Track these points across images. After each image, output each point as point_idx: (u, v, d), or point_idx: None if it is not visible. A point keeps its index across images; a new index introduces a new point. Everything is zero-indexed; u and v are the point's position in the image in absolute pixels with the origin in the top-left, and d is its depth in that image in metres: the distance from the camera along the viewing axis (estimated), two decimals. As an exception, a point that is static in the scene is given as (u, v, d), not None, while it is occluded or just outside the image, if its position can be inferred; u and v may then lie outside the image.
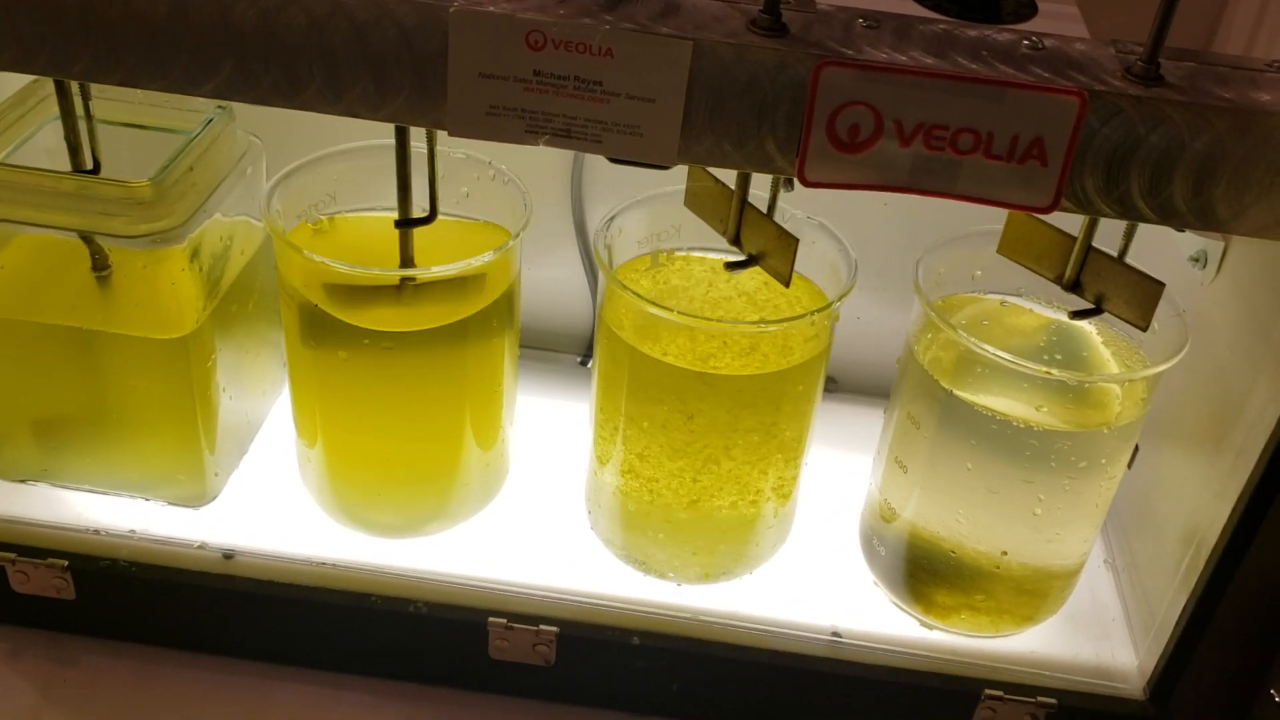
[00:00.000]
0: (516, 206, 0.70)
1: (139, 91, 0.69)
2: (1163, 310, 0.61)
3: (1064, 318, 0.68)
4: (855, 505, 0.77)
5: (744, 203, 0.62)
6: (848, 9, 0.53)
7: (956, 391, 0.65)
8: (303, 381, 0.72)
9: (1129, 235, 0.61)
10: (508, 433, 0.76)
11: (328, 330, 0.67)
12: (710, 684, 0.72)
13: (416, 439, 0.72)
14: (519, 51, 0.49)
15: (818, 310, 0.66)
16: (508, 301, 0.70)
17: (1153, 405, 0.66)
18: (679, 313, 0.65)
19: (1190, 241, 0.70)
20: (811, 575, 0.75)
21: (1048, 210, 0.51)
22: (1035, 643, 0.73)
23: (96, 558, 0.72)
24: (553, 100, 0.51)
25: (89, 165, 0.67)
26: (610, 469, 0.71)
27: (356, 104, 0.52)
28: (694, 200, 0.66)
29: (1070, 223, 0.60)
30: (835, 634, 0.72)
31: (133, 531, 0.73)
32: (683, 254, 0.73)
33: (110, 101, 0.71)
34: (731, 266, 0.64)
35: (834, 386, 0.90)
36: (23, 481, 0.76)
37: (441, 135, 0.62)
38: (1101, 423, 0.65)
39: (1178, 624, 0.68)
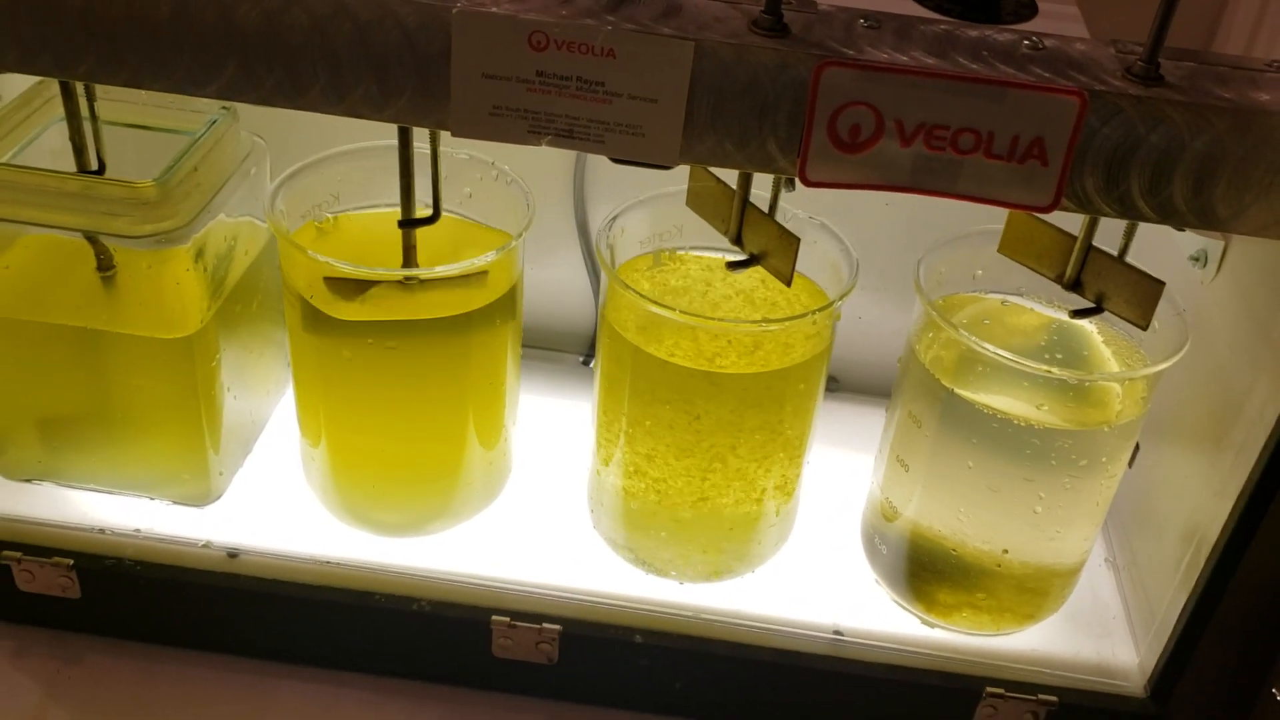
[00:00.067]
0: (519, 207, 0.70)
1: (143, 92, 0.69)
2: (1163, 309, 0.61)
3: (1065, 317, 0.68)
4: (857, 504, 0.77)
5: (745, 202, 0.62)
6: (849, 9, 0.53)
7: (958, 390, 0.65)
8: (307, 381, 0.72)
9: (1129, 234, 0.61)
10: (510, 432, 0.77)
11: (332, 330, 0.67)
12: (713, 682, 0.72)
13: (420, 438, 0.72)
14: (522, 52, 0.50)
15: (820, 309, 0.66)
16: (510, 301, 0.70)
17: (1153, 404, 0.67)
18: (681, 312, 0.65)
19: (1190, 241, 0.70)
20: (813, 574, 0.75)
21: (1048, 210, 0.51)
22: (1036, 641, 0.73)
23: (101, 556, 0.72)
24: (555, 101, 0.51)
25: (94, 166, 0.68)
26: (613, 468, 0.72)
27: (360, 105, 0.52)
28: (696, 200, 0.66)
29: (1071, 222, 0.60)
30: (837, 632, 0.72)
31: (137, 530, 0.74)
32: (685, 253, 0.73)
33: (115, 103, 0.71)
34: (733, 266, 0.64)
35: (836, 386, 0.90)
36: (28, 481, 0.76)
37: (444, 135, 0.63)
38: (1102, 421, 0.65)
39: (1178, 622, 0.68)
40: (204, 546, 0.73)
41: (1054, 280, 0.64)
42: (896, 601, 0.74)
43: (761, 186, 0.63)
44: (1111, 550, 0.79)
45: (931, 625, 0.72)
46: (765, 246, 0.62)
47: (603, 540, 0.75)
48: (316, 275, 0.66)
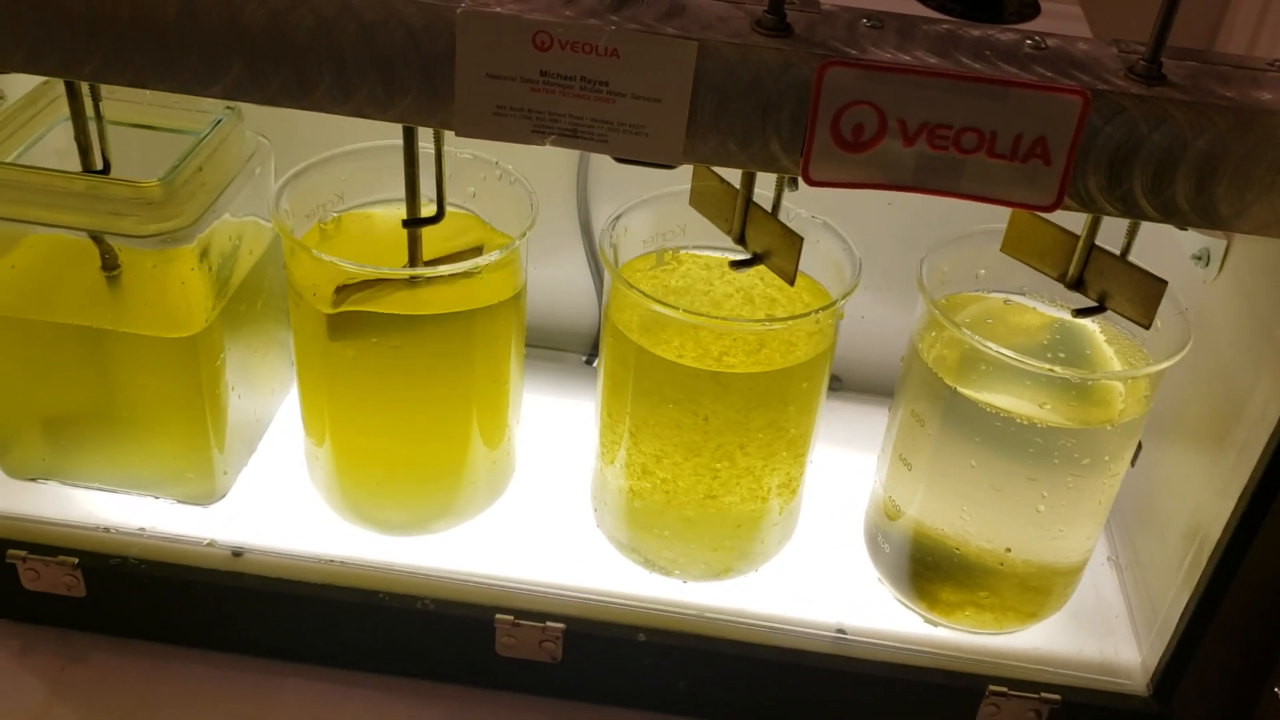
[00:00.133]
0: (523, 206, 0.70)
1: (148, 93, 0.70)
2: (1165, 308, 0.61)
3: (1067, 316, 0.68)
4: (860, 503, 0.77)
5: (749, 202, 0.63)
6: (851, 9, 0.53)
7: (961, 389, 0.65)
8: (311, 380, 0.72)
9: (1132, 234, 0.61)
10: (514, 431, 0.77)
11: (336, 329, 0.67)
12: (716, 680, 0.72)
13: (424, 437, 0.73)
14: (526, 52, 0.50)
15: (823, 308, 0.66)
16: (514, 300, 0.70)
17: (1155, 403, 0.67)
18: (685, 311, 0.65)
19: (1192, 240, 0.70)
20: (817, 572, 0.75)
21: (1051, 209, 0.51)
22: (1039, 639, 0.73)
23: (106, 555, 0.72)
24: (559, 100, 0.51)
25: (99, 166, 0.68)
26: (616, 467, 0.72)
27: (365, 104, 0.52)
28: (699, 200, 0.67)
29: (1073, 221, 0.60)
30: (840, 631, 0.72)
31: (142, 529, 0.74)
32: (688, 253, 0.73)
33: (120, 103, 0.71)
34: (736, 265, 0.65)
35: (839, 385, 0.90)
36: (33, 480, 0.76)
37: (449, 135, 0.63)
38: (1105, 420, 0.65)
39: (1181, 621, 0.68)
40: (209, 545, 0.73)
41: (1056, 279, 0.64)
42: (899, 600, 0.74)
43: (764, 186, 0.63)
44: (1114, 549, 0.79)
45: (934, 624, 0.73)
46: (768, 246, 0.62)
47: (606, 539, 0.75)
48: (322, 276, 0.66)
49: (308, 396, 0.74)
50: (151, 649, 0.75)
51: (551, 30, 0.49)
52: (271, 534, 0.74)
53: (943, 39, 0.52)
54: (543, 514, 0.77)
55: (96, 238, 0.69)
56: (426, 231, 0.67)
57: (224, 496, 0.76)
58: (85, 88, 0.65)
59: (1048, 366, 0.62)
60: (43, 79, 0.72)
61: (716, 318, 0.69)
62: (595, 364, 0.84)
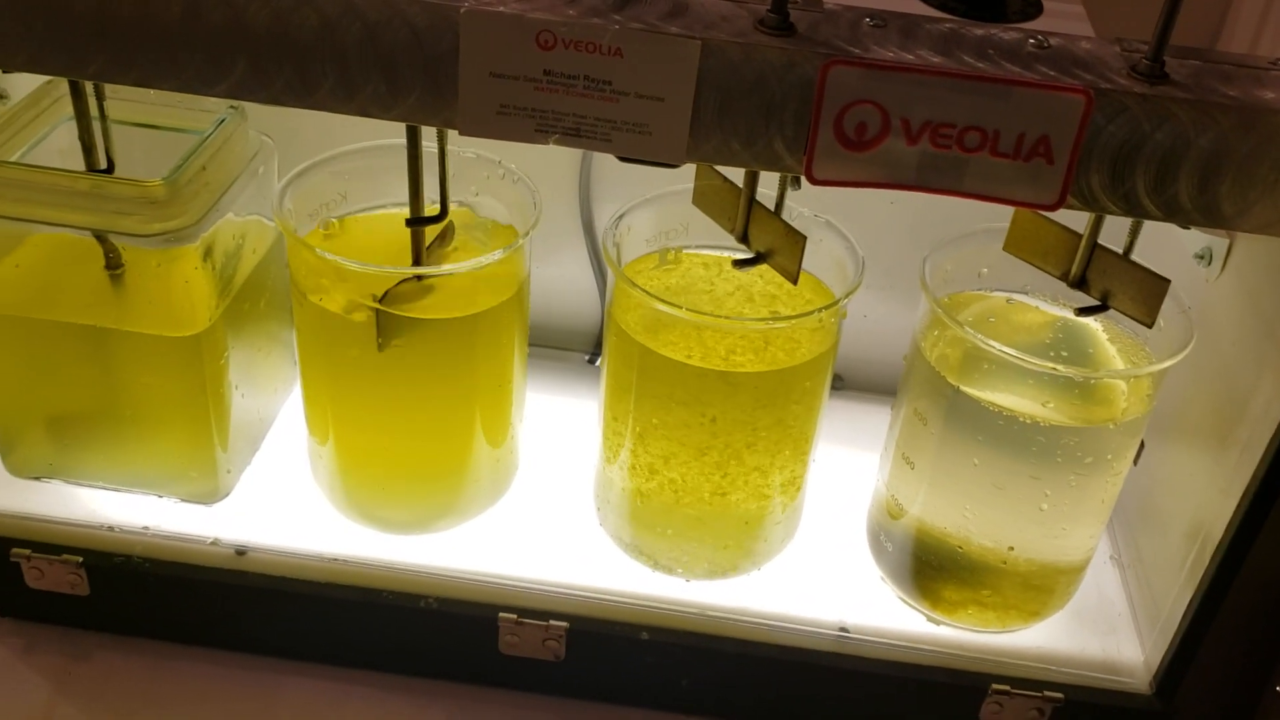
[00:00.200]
0: (526, 205, 0.70)
1: (152, 92, 0.70)
2: (1168, 307, 0.61)
3: (1070, 314, 0.68)
4: (863, 502, 0.77)
5: (752, 201, 0.63)
6: (855, 8, 0.53)
7: (963, 388, 0.65)
8: (314, 379, 0.73)
9: (1134, 232, 0.61)
10: (517, 430, 0.77)
11: (339, 328, 0.67)
12: (719, 679, 0.72)
13: (427, 436, 0.73)
14: (529, 51, 0.50)
15: (826, 307, 0.66)
16: (517, 299, 0.70)
17: (1158, 402, 0.67)
18: (688, 309, 0.65)
19: (1195, 238, 0.70)
20: (819, 571, 0.75)
21: (1054, 207, 0.51)
22: (1042, 638, 0.73)
23: (110, 554, 0.72)
24: (563, 99, 0.51)
25: (103, 165, 0.68)
26: (619, 466, 0.72)
27: (369, 104, 0.52)
28: (702, 198, 0.67)
29: (1076, 220, 0.60)
30: (843, 629, 0.72)
31: (146, 528, 0.74)
32: (689, 252, 0.73)
33: (123, 102, 0.71)
34: (739, 264, 0.65)
35: (841, 384, 0.90)
36: (37, 479, 0.76)
37: (452, 134, 0.63)
38: (1107, 419, 0.65)
39: (1183, 619, 0.68)
40: (212, 544, 0.74)
41: (1059, 278, 0.64)
42: (902, 599, 0.74)
43: (768, 185, 0.63)
44: (1117, 547, 0.79)
45: (937, 622, 0.73)
46: (771, 245, 0.63)
47: (609, 538, 0.75)
48: (325, 273, 0.66)
49: (311, 395, 0.74)
50: (155, 647, 0.75)
51: (555, 29, 0.49)
52: (275, 533, 0.74)
53: (945, 38, 0.52)
54: (545, 513, 0.78)
55: (100, 237, 0.69)
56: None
57: (227, 495, 0.76)
58: (89, 87, 0.65)
59: (1050, 365, 0.62)
60: (46, 78, 0.72)
61: (722, 317, 0.69)
62: (598, 363, 0.84)
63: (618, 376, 0.70)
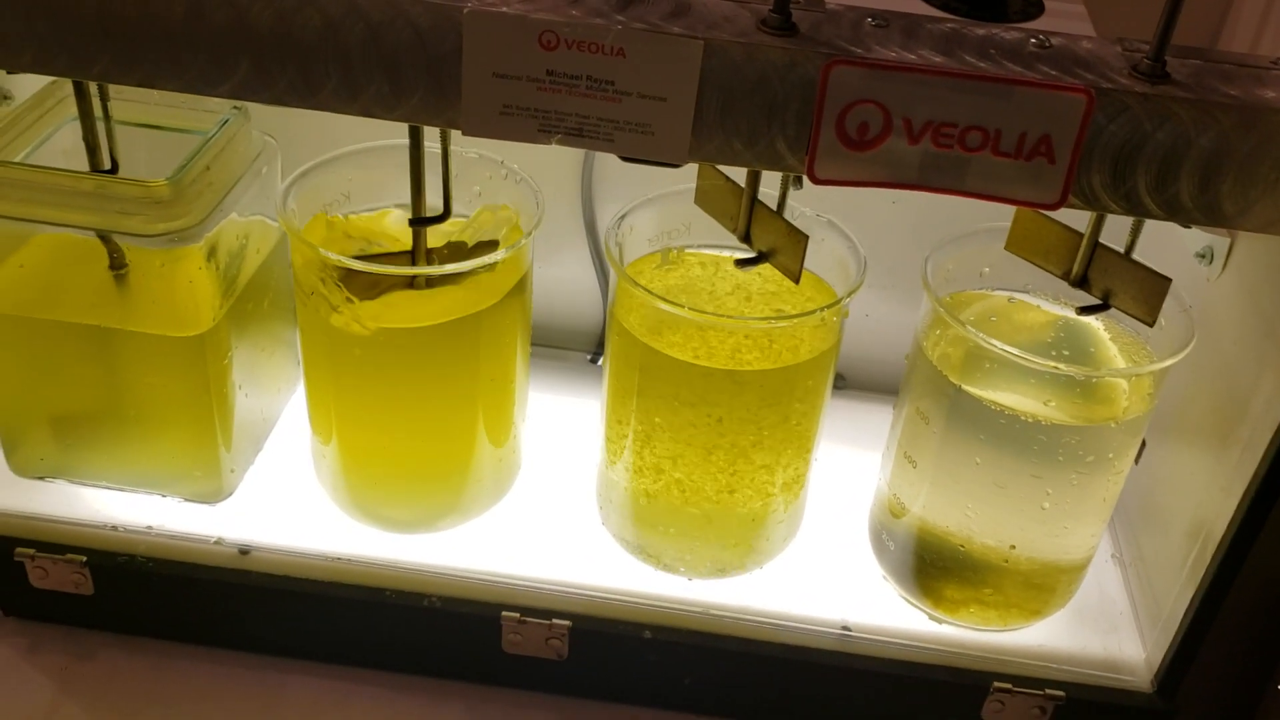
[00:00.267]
0: (529, 205, 0.70)
1: (155, 92, 0.70)
2: (1169, 306, 0.61)
3: (1071, 314, 0.68)
4: (865, 500, 0.78)
5: (754, 200, 0.63)
6: (856, 8, 0.53)
7: (965, 387, 0.65)
8: (317, 379, 0.73)
9: (1136, 231, 0.61)
10: (520, 429, 0.77)
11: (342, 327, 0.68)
12: (722, 678, 0.73)
13: (430, 436, 0.73)
14: (532, 51, 0.50)
15: (828, 306, 0.66)
16: (520, 299, 0.70)
17: (1159, 400, 0.67)
18: (690, 309, 0.65)
19: (1196, 237, 0.70)
20: (822, 570, 0.75)
21: (1055, 207, 0.51)
22: (1043, 636, 0.73)
23: (114, 553, 0.72)
24: (565, 99, 0.51)
25: (107, 165, 0.68)
26: (621, 465, 0.72)
27: (372, 104, 0.53)
28: (704, 198, 0.67)
29: (1077, 219, 0.60)
30: (845, 628, 0.72)
31: (150, 527, 0.74)
32: (693, 251, 0.74)
33: (127, 102, 0.71)
34: (741, 264, 0.65)
35: (843, 383, 0.90)
36: (41, 478, 0.76)
37: (455, 134, 0.63)
38: (1108, 417, 0.66)
39: (1185, 618, 0.68)
40: (216, 543, 0.74)
41: (1061, 277, 0.64)
42: (904, 597, 0.74)
43: (770, 185, 0.63)
44: (1118, 546, 0.80)
45: (939, 621, 0.73)
46: (774, 244, 0.63)
47: (611, 537, 0.76)
48: (328, 267, 0.66)
49: (314, 395, 0.74)
50: (159, 646, 0.75)
51: (558, 30, 0.50)
52: (278, 532, 0.74)
53: (947, 38, 0.52)
54: (548, 512, 0.78)
55: (104, 237, 0.69)
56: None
57: (231, 495, 0.77)
58: (93, 87, 0.66)
59: (1052, 364, 0.63)
60: (51, 79, 0.72)
61: (726, 316, 0.69)
62: (600, 362, 0.84)
63: (620, 376, 0.70)
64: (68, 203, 0.65)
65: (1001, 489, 0.66)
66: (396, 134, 0.64)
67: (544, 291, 0.87)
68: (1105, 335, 0.70)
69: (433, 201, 0.67)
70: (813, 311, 0.68)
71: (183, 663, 0.75)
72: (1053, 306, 0.71)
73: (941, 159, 0.50)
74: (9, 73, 0.54)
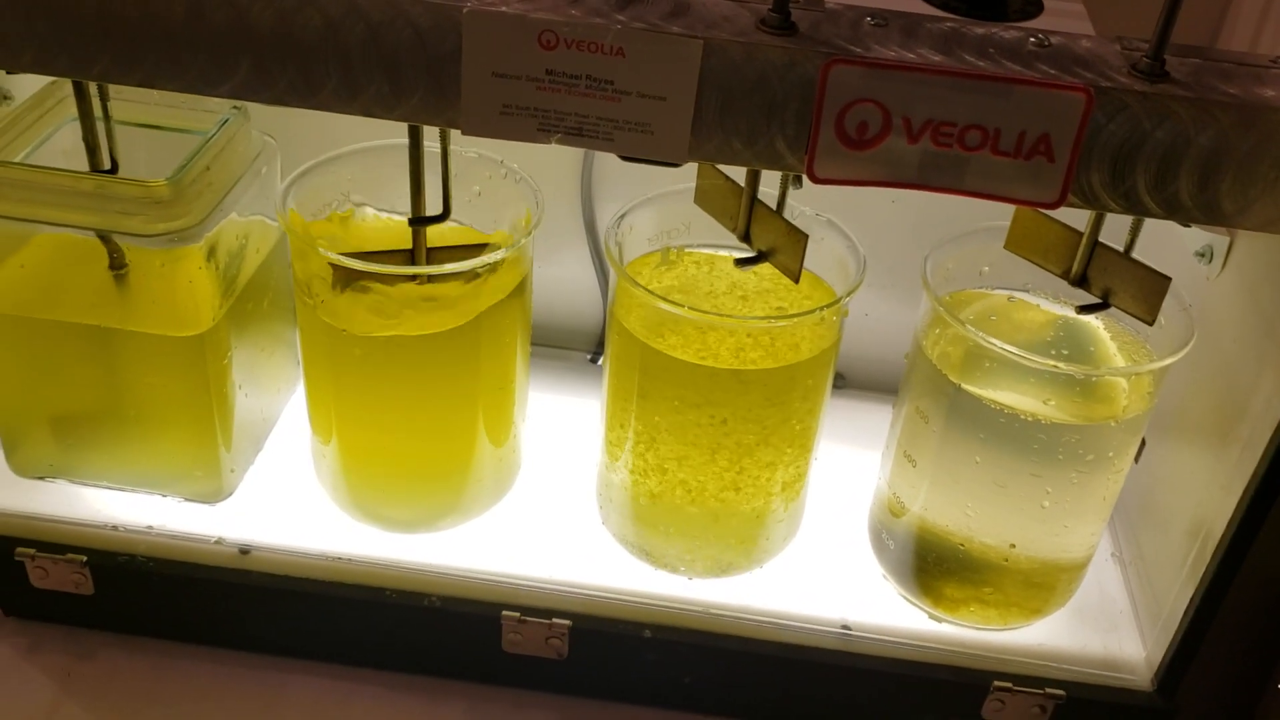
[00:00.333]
0: (528, 204, 0.70)
1: (155, 92, 0.70)
2: (1169, 305, 0.61)
3: (1071, 312, 0.68)
4: (864, 500, 0.78)
5: (754, 200, 0.63)
6: (856, 7, 0.53)
7: (965, 386, 0.65)
8: (317, 379, 0.73)
9: (1135, 230, 0.61)
10: (520, 429, 0.77)
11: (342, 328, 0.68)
12: (722, 677, 0.73)
13: (430, 436, 0.73)
14: (532, 51, 0.50)
15: (828, 305, 0.66)
16: (520, 299, 0.71)
17: (1159, 399, 0.67)
18: (690, 308, 0.65)
19: (1196, 236, 0.70)
20: (821, 569, 0.75)
21: (1054, 206, 0.51)
22: (1043, 635, 0.73)
23: (114, 553, 0.72)
24: (565, 99, 0.51)
25: (107, 165, 0.68)
26: (621, 464, 0.72)
27: (372, 104, 0.53)
28: (704, 197, 0.67)
29: (1077, 218, 0.60)
30: (845, 627, 0.72)
31: (150, 527, 0.74)
32: (693, 250, 0.74)
33: (127, 103, 0.71)
34: (741, 263, 0.65)
35: (843, 382, 0.90)
36: (41, 478, 0.76)
37: (454, 134, 0.63)
38: (1108, 416, 0.66)
39: (1185, 616, 0.68)
40: (216, 543, 0.74)
41: (1060, 276, 0.64)
42: (904, 596, 0.74)
43: (769, 184, 0.63)
44: (1118, 545, 0.80)
45: (939, 620, 0.73)
46: (773, 243, 0.63)
47: (611, 536, 0.76)
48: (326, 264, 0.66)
49: (314, 395, 0.74)
50: (159, 646, 0.75)
51: (557, 29, 0.50)
52: (278, 532, 0.74)
53: (946, 37, 0.52)
54: (548, 511, 0.78)
55: (104, 237, 0.69)
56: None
57: (231, 494, 0.77)
58: (93, 87, 0.66)
59: (1052, 363, 0.63)
60: (51, 79, 0.72)
61: (726, 315, 0.69)
62: (600, 362, 0.84)
63: (620, 375, 0.70)
64: (68, 203, 0.65)
65: (1001, 488, 0.66)
66: (396, 134, 0.64)
67: (544, 291, 0.87)
68: (1105, 334, 0.70)
69: (432, 202, 0.67)
70: (813, 310, 0.68)
71: (183, 663, 0.75)
72: (1052, 305, 0.71)
73: (941, 158, 0.50)
74: (9, 73, 0.54)
